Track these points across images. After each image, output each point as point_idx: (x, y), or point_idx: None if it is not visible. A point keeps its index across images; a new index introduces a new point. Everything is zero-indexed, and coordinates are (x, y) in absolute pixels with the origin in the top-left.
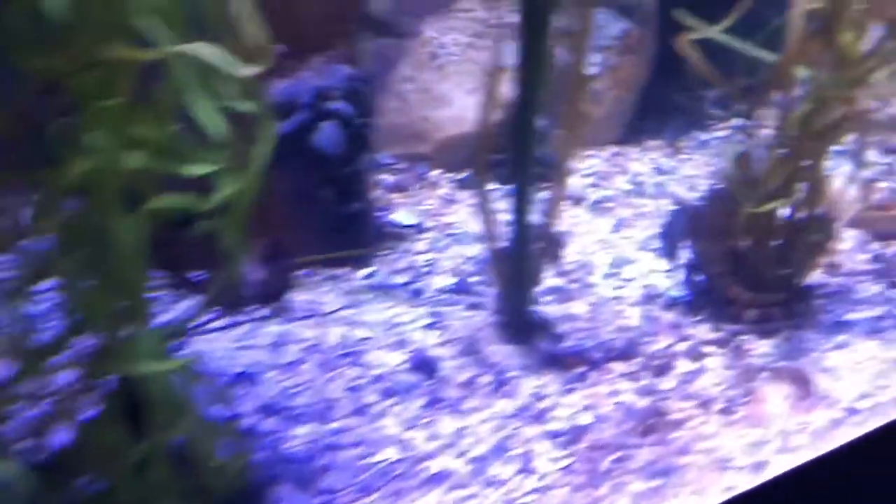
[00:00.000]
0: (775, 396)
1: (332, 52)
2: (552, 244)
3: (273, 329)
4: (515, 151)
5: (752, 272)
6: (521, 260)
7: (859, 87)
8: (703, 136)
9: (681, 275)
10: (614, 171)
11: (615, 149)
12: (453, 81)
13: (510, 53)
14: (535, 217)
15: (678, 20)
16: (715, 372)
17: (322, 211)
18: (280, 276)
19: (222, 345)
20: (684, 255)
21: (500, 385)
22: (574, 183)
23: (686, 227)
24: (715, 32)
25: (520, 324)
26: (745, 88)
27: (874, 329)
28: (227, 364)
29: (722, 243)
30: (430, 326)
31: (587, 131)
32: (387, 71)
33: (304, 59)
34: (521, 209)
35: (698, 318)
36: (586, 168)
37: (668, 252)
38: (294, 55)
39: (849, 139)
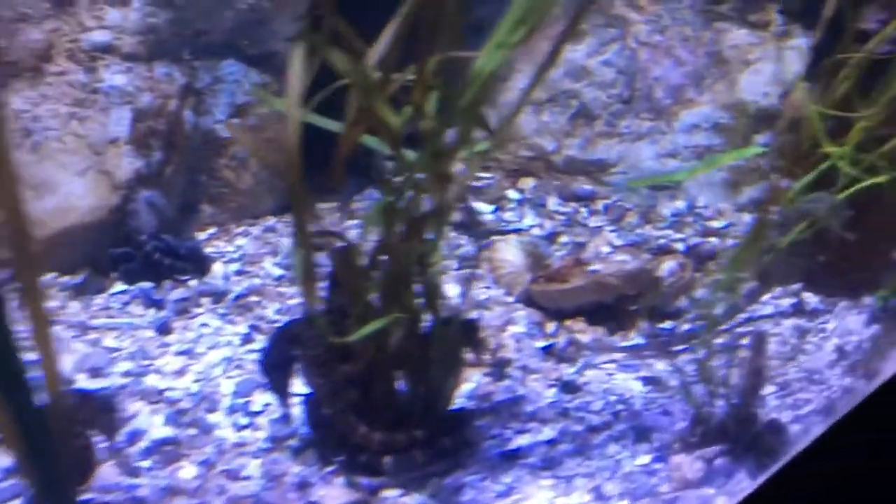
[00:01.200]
0: None
1: None
2: (98, 406)
3: None
4: None
5: (380, 405)
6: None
7: (443, 167)
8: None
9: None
10: (265, 252)
11: (272, 220)
12: (56, 162)
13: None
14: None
15: (327, 65)
16: None
17: None
18: None
19: None
20: (298, 386)
21: None
22: (217, 271)
23: (290, 352)
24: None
25: None
26: None
27: (547, 461)
28: None
29: (332, 371)
30: None
31: (234, 204)
32: None
33: None
34: None
35: (331, 468)
36: (232, 251)
37: (275, 386)
38: None
39: (529, 185)
